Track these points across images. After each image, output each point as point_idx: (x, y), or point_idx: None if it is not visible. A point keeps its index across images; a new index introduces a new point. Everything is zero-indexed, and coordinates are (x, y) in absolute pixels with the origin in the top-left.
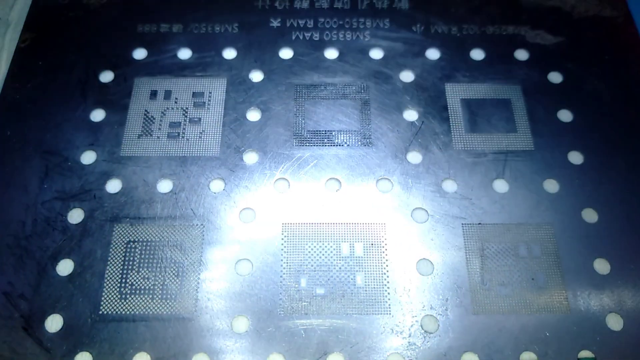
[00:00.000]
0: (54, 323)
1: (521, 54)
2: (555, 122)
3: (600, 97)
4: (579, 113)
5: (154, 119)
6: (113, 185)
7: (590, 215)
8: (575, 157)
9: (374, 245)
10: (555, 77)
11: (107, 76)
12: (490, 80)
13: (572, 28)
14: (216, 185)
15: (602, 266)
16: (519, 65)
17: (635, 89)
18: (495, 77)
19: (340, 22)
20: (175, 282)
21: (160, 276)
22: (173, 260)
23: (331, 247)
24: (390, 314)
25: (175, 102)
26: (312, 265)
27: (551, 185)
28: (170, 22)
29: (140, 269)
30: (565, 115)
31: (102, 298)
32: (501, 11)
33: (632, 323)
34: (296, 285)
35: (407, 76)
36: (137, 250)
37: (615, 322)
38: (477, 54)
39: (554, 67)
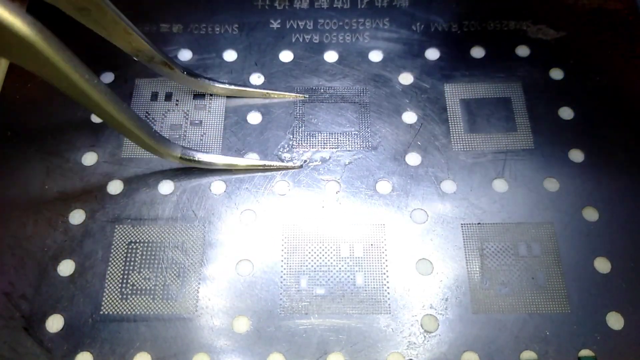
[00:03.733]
0: (54, 323)
1: (522, 51)
2: (556, 120)
3: (601, 93)
4: (579, 110)
5: (155, 120)
6: (114, 187)
7: (590, 214)
8: (576, 155)
9: (373, 246)
10: (556, 74)
11: (107, 77)
12: (490, 78)
13: (574, 21)
14: (217, 187)
15: (602, 265)
16: (519, 62)
17: (638, 86)
18: (495, 75)
19: (340, 23)
20: (176, 283)
21: (161, 277)
22: (174, 261)
23: (331, 247)
24: (390, 313)
25: (176, 104)
26: (312, 266)
27: (551, 184)
28: (169, 22)
29: (142, 270)
30: (566, 113)
31: (103, 298)
32: (502, 5)
33: (633, 322)
34: (296, 286)
35: (406, 78)
36: (138, 251)
37: (615, 321)
38: (478, 52)
39: (555, 64)
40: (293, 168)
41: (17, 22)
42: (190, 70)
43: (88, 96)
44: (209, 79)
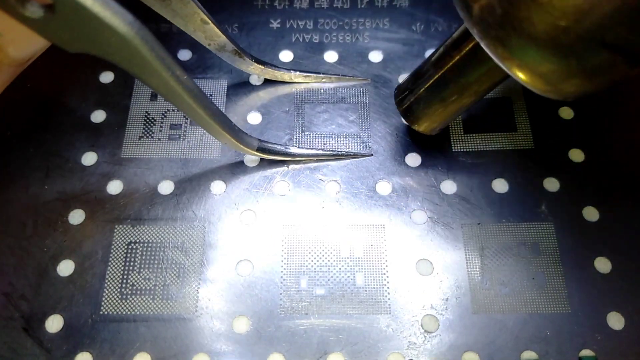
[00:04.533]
0: (54, 323)
1: None
2: (556, 120)
3: (601, 93)
4: (580, 110)
5: (155, 120)
6: (114, 187)
7: (591, 214)
8: (576, 155)
9: (373, 247)
10: None
11: (107, 77)
12: None
13: None
14: (217, 187)
15: (603, 265)
16: None
17: (637, 84)
18: None
19: (340, 23)
20: (176, 283)
21: (161, 277)
22: (174, 261)
23: (331, 248)
24: (390, 313)
25: None
26: (312, 266)
27: (551, 184)
28: (169, 21)
29: (141, 270)
30: (566, 113)
31: (103, 298)
32: None
33: (633, 322)
34: (296, 286)
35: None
36: (138, 251)
37: (616, 321)
38: None
39: None
40: (363, 156)
41: (119, 22)
42: (258, 59)
43: (177, 94)
44: (277, 66)
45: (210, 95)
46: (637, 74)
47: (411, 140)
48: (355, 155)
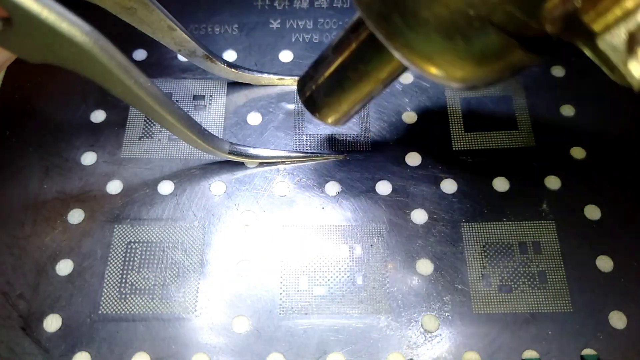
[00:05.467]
0: (52, 323)
1: None
2: (557, 117)
3: (603, 90)
4: (581, 108)
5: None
6: (114, 186)
7: (592, 212)
8: (578, 153)
9: (373, 246)
10: (557, 71)
11: None
12: None
13: None
14: (217, 188)
15: (604, 263)
16: None
17: None
18: None
19: (340, 23)
20: (175, 283)
21: (160, 277)
22: (173, 261)
23: (331, 248)
24: (390, 313)
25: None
26: (311, 266)
27: (553, 182)
28: None
29: (141, 270)
30: (567, 110)
31: (102, 298)
32: None
33: (636, 321)
34: (296, 286)
35: (406, 78)
36: (137, 250)
37: (618, 320)
38: None
39: (556, 61)
40: (337, 158)
41: (77, 32)
42: (231, 63)
43: (141, 100)
44: (250, 70)
45: (211, 96)
46: (535, 62)
47: (411, 140)
48: (329, 156)
